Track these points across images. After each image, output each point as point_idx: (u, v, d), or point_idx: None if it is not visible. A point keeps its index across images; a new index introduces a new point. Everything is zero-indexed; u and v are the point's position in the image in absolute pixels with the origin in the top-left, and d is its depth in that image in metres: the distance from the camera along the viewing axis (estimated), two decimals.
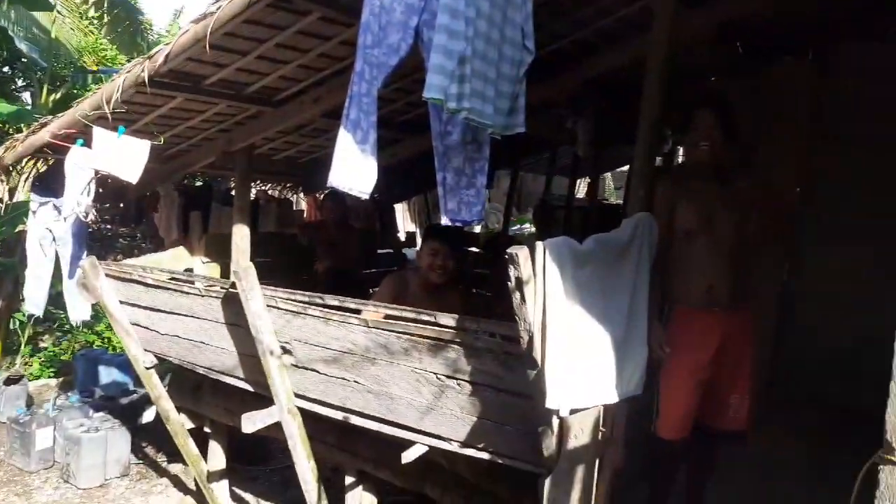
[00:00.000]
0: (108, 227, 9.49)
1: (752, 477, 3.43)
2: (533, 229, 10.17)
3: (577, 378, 2.37)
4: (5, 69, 9.00)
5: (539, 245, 2.27)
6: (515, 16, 2.34)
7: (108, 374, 6.34)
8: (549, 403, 2.31)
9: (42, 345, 7.70)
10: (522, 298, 2.25)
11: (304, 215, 7.32)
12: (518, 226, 10.55)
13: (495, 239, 6.47)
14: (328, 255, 5.31)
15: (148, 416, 5.73)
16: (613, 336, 2.53)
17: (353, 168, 2.42)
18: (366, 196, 2.55)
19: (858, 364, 4.63)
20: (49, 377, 7.06)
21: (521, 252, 2.20)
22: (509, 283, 2.24)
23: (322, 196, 6.02)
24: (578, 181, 7.33)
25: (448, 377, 2.74)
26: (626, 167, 9.75)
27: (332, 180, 2.51)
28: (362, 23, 2.42)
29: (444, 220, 2.61)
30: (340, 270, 5.24)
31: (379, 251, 6.59)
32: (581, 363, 2.39)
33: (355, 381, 3.03)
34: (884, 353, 4.31)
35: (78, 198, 4.08)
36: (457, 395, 2.74)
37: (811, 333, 4.86)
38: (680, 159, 10.87)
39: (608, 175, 11.47)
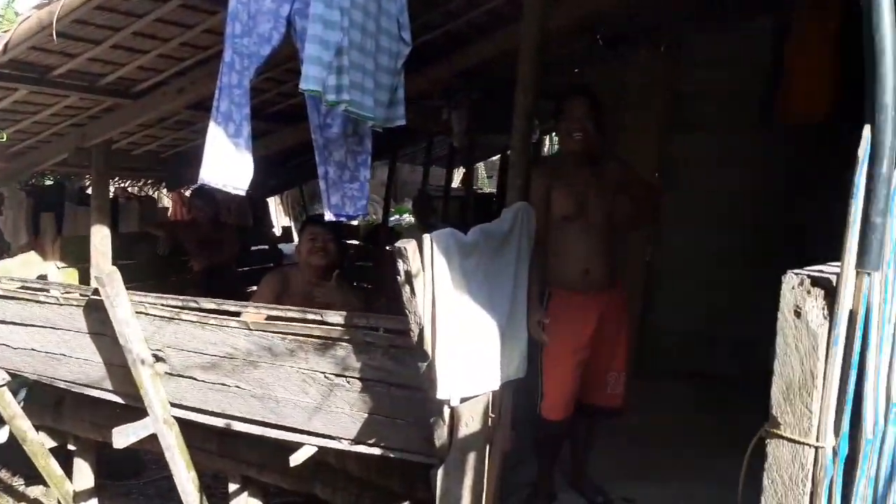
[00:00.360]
0: None
1: (628, 446, 3.63)
2: (411, 219, 10.22)
3: (465, 367, 2.40)
4: None
5: (427, 238, 2.27)
6: (390, 6, 2.32)
7: None
8: (440, 394, 2.32)
9: None
10: (412, 292, 2.24)
11: (169, 213, 6.90)
12: (396, 216, 10.54)
13: (375, 231, 6.42)
14: (201, 255, 5.05)
15: (0, 436, 5.22)
16: (498, 322, 2.58)
17: (227, 163, 2.31)
18: (241, 193, 2.44)
19: (714, 334, 5.06)
20: None
21: (410, 246, 2.19)
22: (398, 277, 2.22)
23: (190, 193, 5.71)
24: (454, 171, 7.41)
25: (337, 375, 2.68)
26: (497, 156, 10.01)
27: (204, 177, 2.38)
28: (229, 11, 2.30)
29: (328, 216, 2.55)
30: (215, 269, 5.00)
31: (253, 248, 6.35)
32: (469, 352, 2.42)
33: (237, 387, 2.90)
34: (734, 322, 4.70)
35: None
36: (346, 393, 2.69)
37: (672, 309, 5.21)
38: (546, 149, 11.33)
39: (480, 164, 11.70)
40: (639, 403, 3.14)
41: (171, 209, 7.34)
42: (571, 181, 2.91)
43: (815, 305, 1.05)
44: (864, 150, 1.07)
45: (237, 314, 2.87)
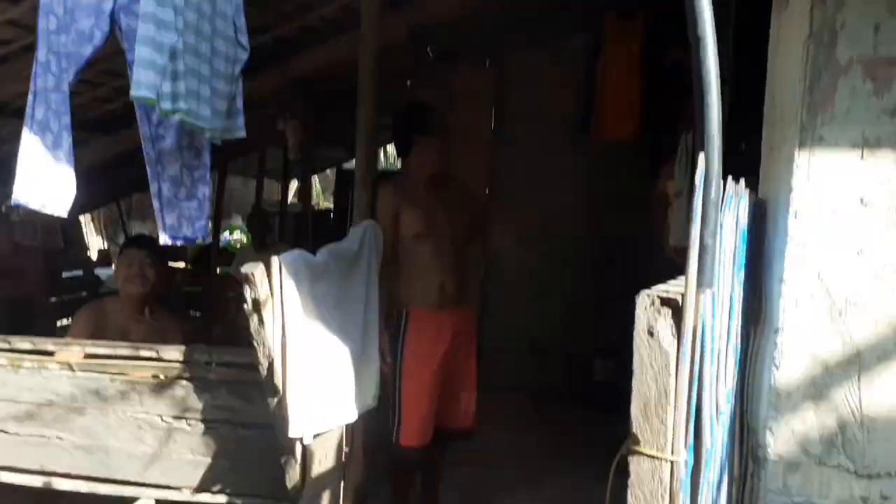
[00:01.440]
0: None
1: (473, 468, 3.67)
2: (244, 238, 9.75)
3: (319, 400, 2.31)
4: None
5: (275, 261, 2.16)
6: (226, 7, 2.18)
7: None
8: (293, 432, 2.21)
9: None
10: (261, 321, 2.12)
11: None
12: (227, 233, 10.02)
13: (204, 251, 6.06)
14: (2, 287, 4.47)
15: None
16: (351, 350, 2.51)
17: (45, 180, 2.06)
18: (62, 214, 2.19)
19: (545, 346, 5.31)
20: None
21: (257, 270, 2.07)
22: (245, 305, 2.10)
23: None
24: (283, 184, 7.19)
25: (176, 418, 2.48)
26: (331, 169, 9.86)
27: (18, 197, 2.10)
28: (42, 3, 2.06)
29: (163, 238, 2.36)
30: (18, 302, 4.44)
31: (66, 274, 5.74)
32: (323, 384, 2.34)
33: (58, 438, 2.59)
34: (558, 336, 4.94)
35: None
36: (187, 437, 2.49)
37: (503, 324, 5.36)
38: (381, 163, 11.32)
39: (315, 178, 11.49)
40: (478, 421, 3.18)
41: None
42: (418, 200, 2.91)
43: (665, 324, 1.13)
44: (699, 177, 1.17)
45: (51, 353, 2.56)
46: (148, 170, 2.32)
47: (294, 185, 8.13)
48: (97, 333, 2.89)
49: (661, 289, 1.24)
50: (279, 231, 6.29)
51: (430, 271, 2.89)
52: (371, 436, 2.85)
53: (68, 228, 6.12)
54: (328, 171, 10.89)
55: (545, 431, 4.38)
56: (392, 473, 3.04)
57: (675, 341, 1.14)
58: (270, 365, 2.17)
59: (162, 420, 2.49)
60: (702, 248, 1.17)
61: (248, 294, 2.06)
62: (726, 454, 1.51)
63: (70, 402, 2.51)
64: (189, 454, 2.49)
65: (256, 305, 2.08)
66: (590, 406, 4.67)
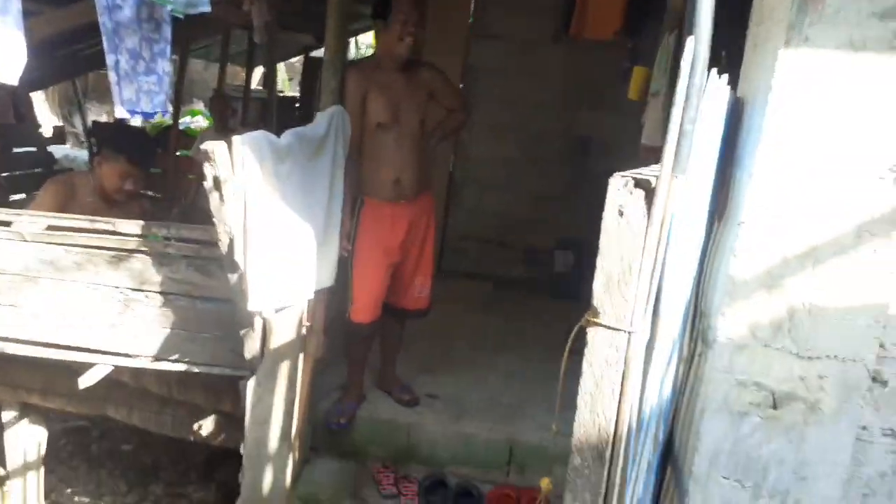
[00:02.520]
0: None
1: (429, 344, 3.83)
2: (204, 123, 9.45)
3: (279, 277, 2.32)
4: None
5: (238, 140, 2.11)
6: None
7: None
8: (252, 306, 2.24)
9: None
10: (222, 198, 2.08)
11: None
12: (189, 118, 9.69)
13: (166, 133, 5.86)
14: None
15: None
16: (314, 231, 2.51)
17: None
18: (12, 82, 2.07)
19: (505, 240, 5.43)
20: None
21: (219, 148, 2.02)
22: (205, 183, 2.05)
23: None
24: (253, 70, 6.92)
25: (134, 290, 2.47)
26: (297, 57, 9.51)
27: None
28: None
29: (119, 112, 2.26)
30: None
31: (17, 149, 5.52)
32: (283, 262, 2.34)
33: (11, 306, 2.56)
34: (523, 229, 5.01)
35: None
36: (145, 309, 2.49)
37: (469, 215, 5.48)
38: (353, 53, 10.95)
39: (281, 65, 11.07)
40: (438, 303, 3.30)
41: None
42: (386, 87, 2.83)
43: (636, 206, 1.13)
44: (687, 61, 1.15)
45: (7, 224, 2.49)
46: (104, 41, 2.22)
47: (259, 71, 7.83)
48: (63, 209, 2.80)
49: (633, 171, 1.23)
50: (242, 116, 6.10)
51: (388, 164, 2.87)
52: (331, 312, 2.92)
53: (20, 105, 5.86)
54: (295, 59, 10.51)
55: (504, 314, 4.55)
56: (347, 346, 3.18)
57: (645, 222, 1.15)
58: (231, 242, 2.15)
59: (119, 291, 2.47)
60: (681, 133, 1.15)
61: (209, 171, 2.02)
62: (678, 335, 1.57)
63: (24, 272, 2.46)
64: (146, 325, 2.49)
65: (217, 183, 2.04)
66: (548, 295, 4.88)
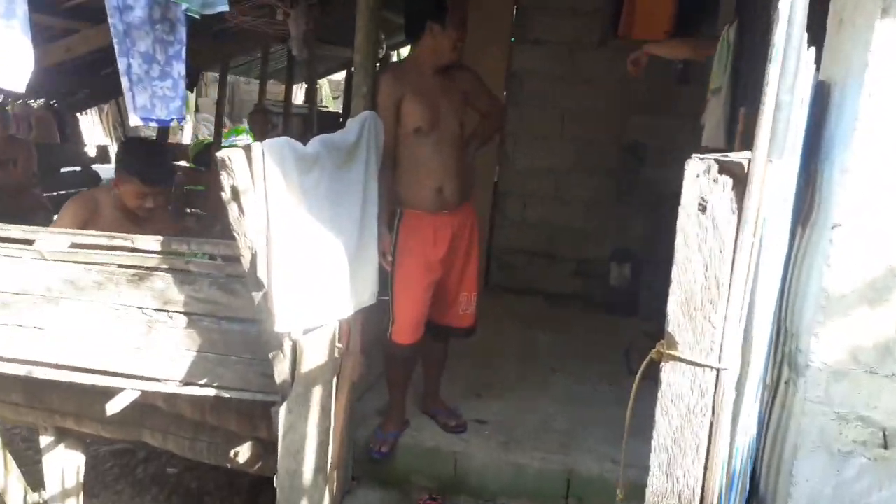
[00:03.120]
0: None
1: (477, 366, 3.60)
2: (249, 141, 9.46)
3: (308, 295, 2.15)
4: None
5: (257, 147, 1.95)
6: None
7: None
8: (279, 327, 2.06)
9: None
10: (241, 210, 1.93)
11: None
12: (233, 136, 9.72)
13: (207, 151, 5.82)
14: None
15: None
16: (346, 245, 2.33)
17: None
18: (19, 90, 1.95)
19: (556, 253, 5.18)
20: None
21: (236, 156, 1.86)
22: (223, 193, 1.89)
23: None
24: (295, 86, 6.86)
25: (157, 310, 2.33)
26: (343, 73, 9.46)
27: None
28: None
29: (133, 119, 2.12)
30: (9, 192, 4.29)
31: (63, 169, 5.55)
32: (312, 278, 2.16)
33: (35, 328, 2.45)
34: (575, 241, 4.81)
35: None
36: (170, 330, 2.34)
37: (517, 227, 5.25)
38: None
39: (325, 82, 11.08)
40: (485, 320, 3.08)
41: None
42: (423, 90, 2.66)
43: (723, 198, 0.88)
44: (784, 15, 0.91)
45: (30, 243, 2.38)
46: (115, 45, 2.09)
47: (302, 87, 7.79)
48: (87, 225, 2.69)
49: (718, 155, 0.99)
50: (283, 131, 6.02)
51: (428, 172, 2.68)
52: (369, 332, 2.74)
53: (65, 124, 5.92)
54: (339, 76, 10.48)
55: (556, 331, 4.30)
56: (387, 368, 2.98)
57: (735, 220, 0.90)
58: (253, 257, 1.99)
59: (142, 312, 2.33)
60: (777, 107, 0.91)
61: (225, 181, 1.86)
62: (763, 360, 1.32)
63: (46, 292, 2.35)
64: (172, 346, 2.35)
65: (236, 193, 1.88)
66: (603, 311, 4.62)
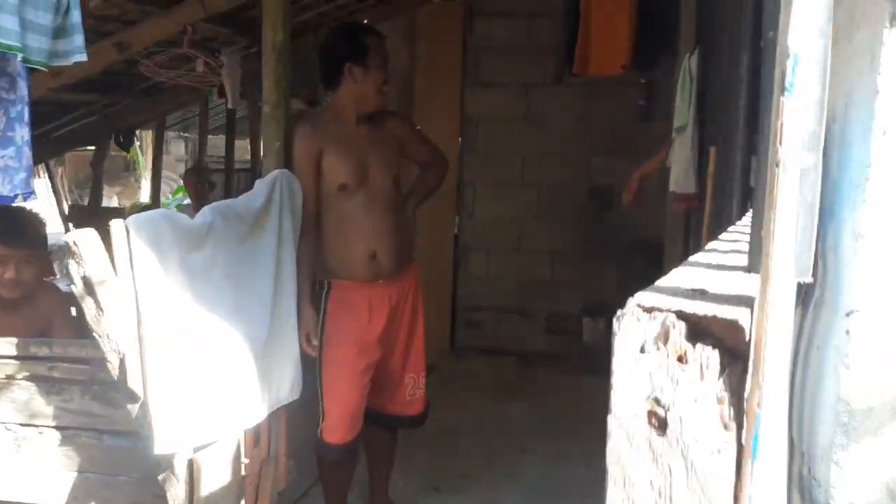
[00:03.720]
0: None
1: (434, 448, 3.15)
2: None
3: (200, 405, 1.73)
4: None
5: (119, 225, 1.56)
6: None
7: None
8: (159, 448, 1.65)
9: None
10: (98, 307, 1.52)
11: None
12: (179, 196, 9.30)
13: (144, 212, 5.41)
14: None
15: None
16: (254, 334, 1.93)
17: None
18: None
19: (524, 308, 4.82)
20: None
21: (84, 237, 1.47)
22: (73, 286, 1.50)
23: None
24: (238, 140, 6.52)
25: (23, 425, 1.90)
26: None
27: None
28: None
29: None
30: None
31: None
32: (206, 382, 1.76)
33: None
34: (543, 294, 4.42)
35: None
36: (41, 447, 1.92)
37: (481, 282, 4.89)
38: None
39: None
40: (450, 388, 2.65)
41: None
42: (347, 142, 2.30)
43: (701, 398, 0.45)
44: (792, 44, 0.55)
45: None
46: None
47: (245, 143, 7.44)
48: None
49: (683, 302, 0.54)
50: (225, 189, 5.64)
51: (358, 235, 2.29)
52: (298, 429, 2.32)
53: None
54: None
55: (528, 397, 3.88)
56: (321, 472, 2.51)
57: (732, 445, 0.47)
58: (122, 362, 1.58)
59: (5, 428, 1.90)
60: (804, 176, 0.54)
61: (74, 271, 1.46)
62: None
63: None
64: (48, 466, 1.91)
65: (89, 286, 1.48)
66: (578, 371, 4.22)
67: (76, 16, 1.66)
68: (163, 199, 6.23)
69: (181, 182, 9.77)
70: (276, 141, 2.21)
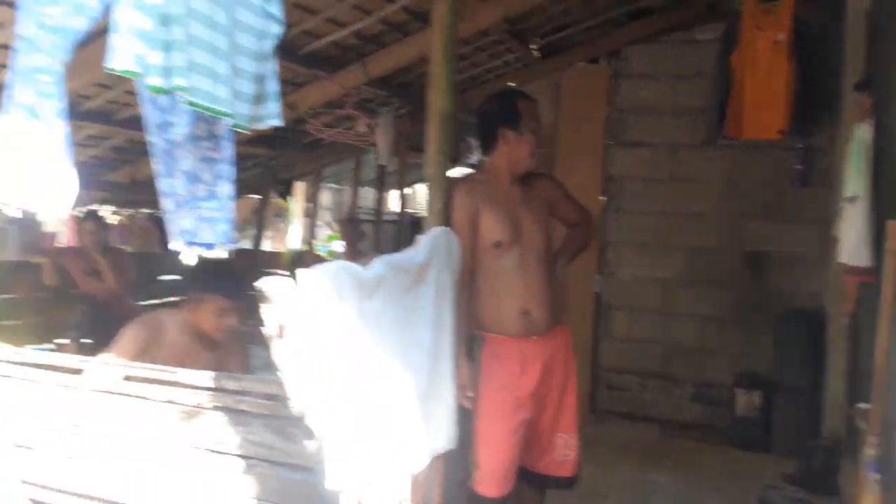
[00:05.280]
0: None
1: None
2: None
3: (371, 446, 1.84)
4: None
5: (306, 274, 1.72)
6: None
7: None
8: (330, 483, 1.76)
9: None
10: (286, 348, 1.68)
11: (56, 241, 6.08)
12: (331, 242, 9.87)
13: (300, 259, 5.80)
14: (88, 286, 4.39)
15: None
16: (416, 381, 2.04)
17: (34, 177, 1.69)
18: (61, 216, 1.84)
19: (672, 372, 4.66)
20: None
21: (279, 286, 1.64)
22: (265, 329, 1.67)
23: (83, 215, 5.00)
24: (387, 193, 6.89)
25: (209, 451, 2.08)
26: None
27: None
28: None
29: (175, 244, 1.98)
30: (102, 303, 4.33)
31: (162, 277, 5.64)
32: (375, 424, 1.87)
33: (79, 458, 2.26)
34: (695, 360, 4.28)
35: None
36: (225, 473, 2.09)
37: (625, 344, 4.80)
38: None
39: (419, 186, 11.19)
40: (591, 451, 2.62)
41: (63, 236, 6.51)
42: (501, 202, 2.41)
43: None
44: None
45: (78, 371, 2.24)
46: (157, 164, 1.96)
47: (393, 194, 7.81)
48: (146, 352, 2.52)
49: None
50: (374, 238, 5.95)
51: (511, 291, 2.37)
52: (451, 480, 2.37)
53: (164, 233, 6.07)
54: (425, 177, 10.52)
55: (672, 472, 3.73)
56: None
57: None
58: (303, 400, 1.72)
59: (196, 451, 2.09)
60: None
61: (267, 315, 1.62)
62: None
63: (98, 425, 2.17)
64: (229, 492, 2.08)
65: (281, 329, 1.64)
66: (729, 444, 4.09)
67: (274, 85, 1.88)
68: (314, 245, 6.63)
69: (329, 229, 10.38)
70: (438, 201, 2.33)
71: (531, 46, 4.72)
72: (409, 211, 6.87)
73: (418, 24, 3.58)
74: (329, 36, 3.46)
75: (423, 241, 2.18)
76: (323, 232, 10.53)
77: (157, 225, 5.73)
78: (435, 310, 2.16)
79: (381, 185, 6.00)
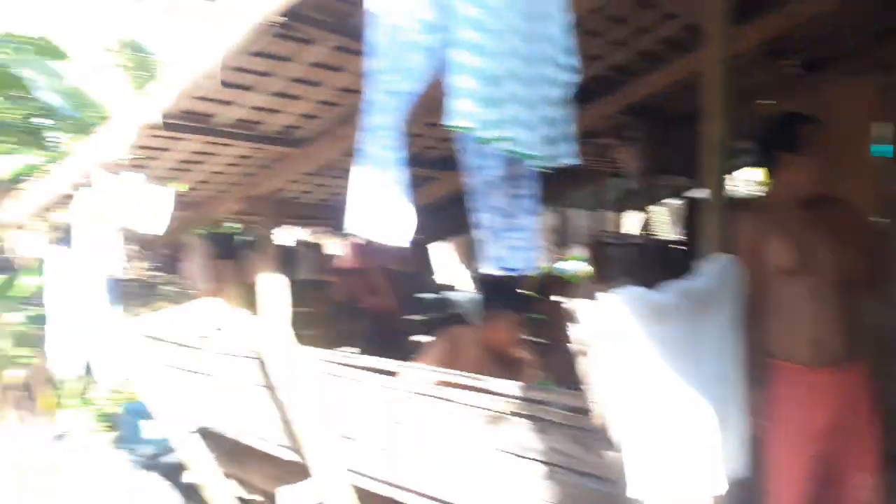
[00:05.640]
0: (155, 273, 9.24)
1: None
2: (581, 268, 9.55)
3: (667, 461, 1.94)
4: (36, 119, 8.82)
5: (608, 299, 1.89)
6: (550, 28, 1.97)
7: (150, 429, 6.06)
8: (632, 491, 1.89)
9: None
10: (589, 364, 1.86)
11: (339, 262, 6.97)
12: (568, 262, 10.01)
13: (547, 282, 6.04)
14: (369, 303, 5.05)
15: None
16: (709, 406, 2.09)
17: (379, 212, 2.08)
18: (403, 244, 2.20)
19: None
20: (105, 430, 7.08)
21: (584, 308, 1.82)
22: (571, 346, 1.86)
23: (366, 241, 5.73)
24: (625, 216, 6.90)
25: (513, 455, 2.33)
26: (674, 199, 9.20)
27: (350, 227, 2.15)
28: (372, 45, 2.09)
29: (486, 268, 2.26)
30: (381, 314, 4.96)
31: (418, 295, 6.22)
32: (676, 441, 1.96)
33: (409, 455, 2.63)
34: None
35: (99, 250, 3.80)
36: (527, 477, 2.31)
37: None
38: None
39: (657, 208, 10.91)
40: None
41: (345, 257, 7.41)
42: (788, 227, 2.37)
43: None
44: None
45: (391, 373, 2.63)
46: (472, 201, 2.27)
47: (633, 216, 7.77)
48: (447, 364, 2.89)
49: None
50: (617, 264, 5.98)
51: (800, 319, 2.31)
52: None
53: (420, 255, 6.65)
54: (669, 201, 10.25)
55: None
56: None
57: None
58: (604, 413, 1.88)
59: (502, 454, 2.35)
60: None
61: (573, 333, 1.82)
62: None
63: (419, 423, 2.52)
64: (530, 494, 2.30)
65: (583, 347, 1.82)
66: None
67: (569, 127, 2.07)
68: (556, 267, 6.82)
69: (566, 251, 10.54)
70: (717, 230, 2.36)
71: (789, 62, 4.50)
72: (652, 234, 6.80)
73: (675, 52, 3.61)
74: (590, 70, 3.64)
75: (710, 269, 2.23)
76: (558, 254, 10.71)
77: (413, 247, 6.33)
78: (723, 337, 2.19)
79: (621, 207, 6.04)
